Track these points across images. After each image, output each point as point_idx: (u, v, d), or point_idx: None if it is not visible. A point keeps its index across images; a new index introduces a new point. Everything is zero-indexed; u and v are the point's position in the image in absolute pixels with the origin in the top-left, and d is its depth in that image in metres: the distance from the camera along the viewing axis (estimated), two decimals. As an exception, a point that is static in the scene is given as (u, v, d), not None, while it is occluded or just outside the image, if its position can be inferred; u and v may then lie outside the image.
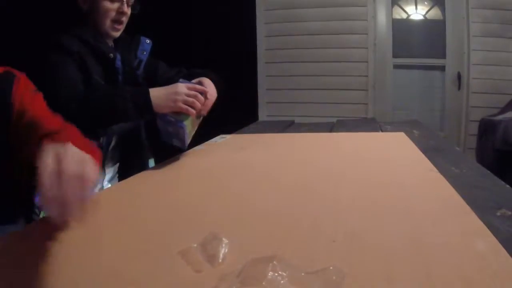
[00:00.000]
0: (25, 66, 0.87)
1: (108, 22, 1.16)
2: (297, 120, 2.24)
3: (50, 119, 0.82)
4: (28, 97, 0.82)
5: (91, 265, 0.51)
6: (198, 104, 1.02)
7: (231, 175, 0.97)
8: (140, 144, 1.33)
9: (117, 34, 1.20)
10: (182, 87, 1.02)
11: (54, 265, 0.51)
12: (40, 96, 0.86)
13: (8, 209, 0.69)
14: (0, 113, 0.78)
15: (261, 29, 3.29)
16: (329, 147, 1.31)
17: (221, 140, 1.44)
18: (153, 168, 1.09)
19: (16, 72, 0.84)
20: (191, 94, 1.02)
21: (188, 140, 1.08)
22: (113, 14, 1.15)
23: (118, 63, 1.20)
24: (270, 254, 0.49)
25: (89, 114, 0.97)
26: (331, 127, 1.77)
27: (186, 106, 1.01)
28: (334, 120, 2.09)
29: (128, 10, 1.19)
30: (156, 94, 1.01)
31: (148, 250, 0.55)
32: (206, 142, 1.40)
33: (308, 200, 0.75)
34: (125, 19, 1.19)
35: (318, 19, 3.17)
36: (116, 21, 1.17)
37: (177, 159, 1.15)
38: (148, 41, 1.32)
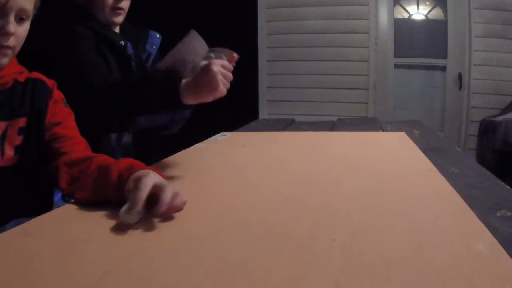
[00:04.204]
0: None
1: (107, 10, 1.11)
2: (298, 118, 2.24)
3: (81, 146, 0.84)
4: (59, 112, 0.83)
5: (92, 256, 0.51)
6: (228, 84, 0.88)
7: (231, 173, 0.97)
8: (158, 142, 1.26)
9: (119, 19, 1.14)
10: (216, 65, 0.85)
11: (55, 255, 0.51)
12: (69, 111, 0.86)
13: (29, 205, 0.73)
14: (35, 128, 0.78)
15: (263, 27, 3.28)
16: (329, 146, 1.31)
17: (222, 138, 1.44)
18: (153, 166, 1.09)
19: (46, 80, 0.83)
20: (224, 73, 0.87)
21: None
22: (110, 1, 1.09)
23: (130, 50, 1.15)
24: (269, 251, 0.50)
25: (115, 100, 0.91)
26: (331, 126, 1.77)
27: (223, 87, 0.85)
28: (335, 119, 2.09)
29: None
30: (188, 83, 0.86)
31: (145, 247, 0.55)
32: (207, 140, 1.40)
33: (308, 198, 0.75)
34: (123, 4, 1.13)
35: (320, 18, 3.17)
36: (115, 7, 1.11)
37: (177, 156, 1.15)
38: (157, 35, 1.27)
